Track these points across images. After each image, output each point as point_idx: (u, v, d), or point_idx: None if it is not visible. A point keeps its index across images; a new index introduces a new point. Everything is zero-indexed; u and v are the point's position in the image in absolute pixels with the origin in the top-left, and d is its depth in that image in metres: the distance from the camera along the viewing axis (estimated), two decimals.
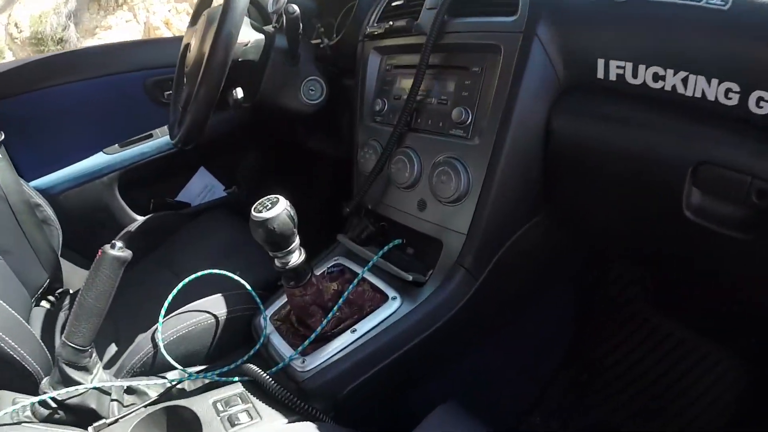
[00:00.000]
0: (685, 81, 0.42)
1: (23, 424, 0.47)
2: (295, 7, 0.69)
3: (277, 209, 0.47)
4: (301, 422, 0.48)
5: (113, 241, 0.50)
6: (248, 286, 0.63)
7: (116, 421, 0.50)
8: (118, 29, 6.35)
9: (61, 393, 0.49)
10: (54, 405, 0.49)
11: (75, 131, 1.12)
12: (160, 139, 1.16)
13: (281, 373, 0.54)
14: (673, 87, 0.43)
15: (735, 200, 0.42)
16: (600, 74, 0.48)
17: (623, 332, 0.89)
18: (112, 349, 0.70)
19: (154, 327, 0.61)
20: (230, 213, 1.04)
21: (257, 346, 0.57)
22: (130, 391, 0.55)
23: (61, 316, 0.87)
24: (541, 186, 0.58)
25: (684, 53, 0.42)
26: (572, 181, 0.57)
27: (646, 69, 0.44)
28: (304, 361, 0.54)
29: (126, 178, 1.15)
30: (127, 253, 0.49)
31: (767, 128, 0.39)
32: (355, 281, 0.59)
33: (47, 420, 0.49)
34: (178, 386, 0.57)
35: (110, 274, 0.49)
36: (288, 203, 0.49)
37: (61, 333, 0.82)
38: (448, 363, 0.70)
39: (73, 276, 1.09)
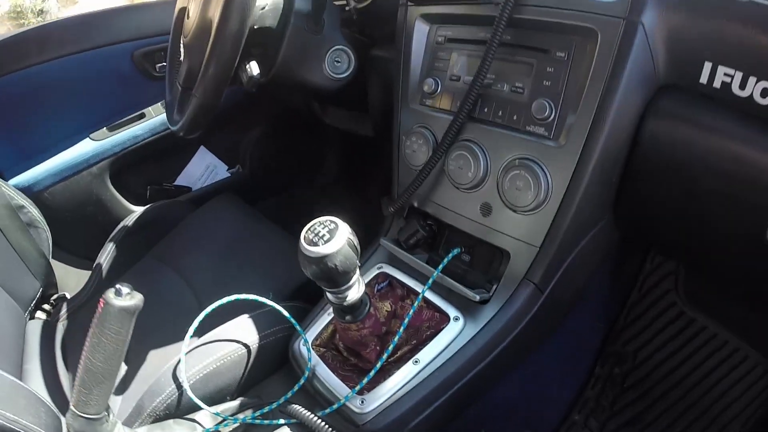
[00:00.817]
0: None
1: None
2: None
3: (339, 241, 0.38)
4: None
5: (117, 286, 0.39)
6: (285, 312, 0.56)
7: None
8: None
9: None
10: None
11: (56, 116, 1.01)
12: (155, 118, 1.06)
13: (335, 413, 0.48)
14: None
15: None
16: (703, 79, 0.41)
17: (657, 325, 0.86)
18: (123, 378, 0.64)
19: (174, 361, 0.54)
20: (235, 200, 0.97)
21: (302, 382, 0.51)
22: None
23: (60, 327, 0.80)
24: (615, 189, 0.52)
25: None
26: (652, 187, 0.50)
27: (757, 82, 0.38)
28: (362, 402, 0.48)
29: (117, 165, 1.06)
30: (137, 299, 0.39)
31: None
32: (416, 303, 0.52)
33: None
34: (206, 426, 0.51)
35: (119, 329, 0.39)
36: (349, 229, 0.40)
37: (62, 348, 0.75)
38: (509, 374, 0.65)
39: (67, 278, 1.04)
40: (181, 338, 0.59)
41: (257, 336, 0.57)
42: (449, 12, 0.56)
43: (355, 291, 0.44)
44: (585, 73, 0.45)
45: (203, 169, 1.15)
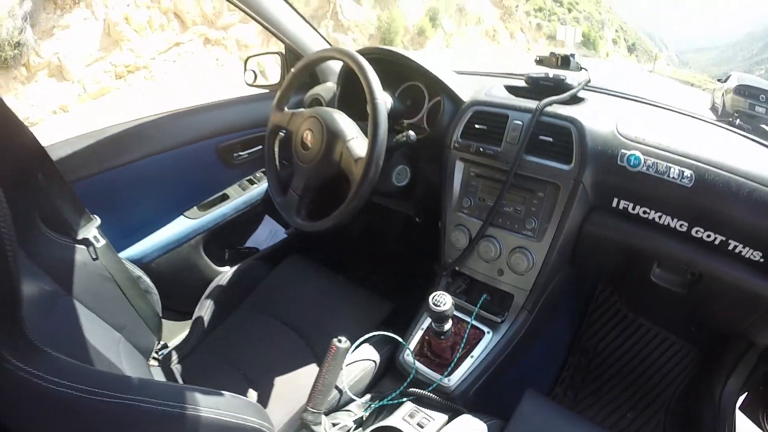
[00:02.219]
0: (659, 216, 0.86)
1: None
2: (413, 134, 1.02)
3: (449, 304, 0.83)
4: (458, 416, 0.86)
5: (339, 337, 0.80)
6: (399, 339, 0.99)
7: None
8: (76, 28, 5.98)
9: None
10: None
11: (155, 200, 1.31)
12: (237, 199, 1.43)
13: (434, 390, 0.93)
14: (654, 218, 0.87)
15: (680, 275, 0.89)
16: (614, 204, 0.90)
17: (609, 326, 1.39)
18: (279, 394, 0.97)
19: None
20: (304, 259, 1.31)
21: (412, 375, 0.94)
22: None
23: (175, 370, 1.09)
24: (570, 254, 1.01)
25: (658, 199, 0.86)
26: (589, 253, 1.00)
27: (641, 207, 0.88)
28: (449, 380, 0.93)
29: (208, 237, 1.40)
30: (348, 344, 0.80)
31: (694, 239, 0.84)
32: (468, 327, 0.99)
33: None
34: (358, 413, 0.91)
35: (341, 359, 0.80)
36: (451, 299, 0.85)
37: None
38: (516, 360, 1.10)
39: (169, 331, 1.34)
40: (308, 362, 0.99)
41: (379, 355, 1.00)
42: (478, 160, 1.03)
43: (449, 325, 0.89)
44: (553, 204, 0.93)
45: (267, 233, 1.55)
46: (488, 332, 1.00)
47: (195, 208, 1.39)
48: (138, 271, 1.12)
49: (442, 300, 0.84)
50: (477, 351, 0.97)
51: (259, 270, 1.31)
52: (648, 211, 0.87)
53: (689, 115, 1.08)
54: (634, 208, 0.89)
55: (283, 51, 1.45)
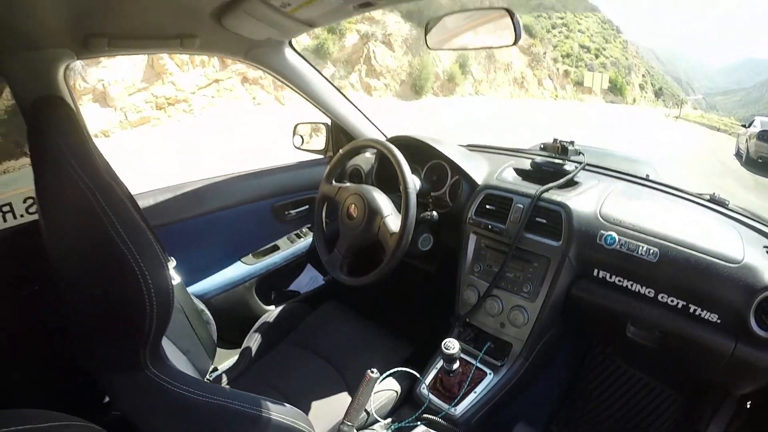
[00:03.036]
0: (631, 284, 1.10)
1: None
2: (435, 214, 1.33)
3: (456, 348, 1.09)
4: None
5: (372, 369, 1.04)
6: (418, 375, 1.23)
7: None
8: (122, 58, 6.62)
9: None
10: None
11: (219, 246, 1.63)
12: (286, 251, 1.73)
13: (448, 416, 1.17)
14: (627, 285, 1.10)
15: (650, 332, 1.12)
16: (595, 273, 1.15)
17: (605, 374, 1.60)
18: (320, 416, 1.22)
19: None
20: (339, 304, 1.59)
21: (426, 404, 1.19)
22: None
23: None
24: (561, 313, 1.26)
25: (630, 271, 1.09)
26: (577, 312, 1.25)
27: (617, 276, 1.12)
28: (455, 409, 1.17)
29: (259, 280, 1.70)
30: (378, 375, 1.04)
31: (661, 303, 1.06)
32: (474, 368, 1.24)
33: None
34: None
35: (372, 386, 1.04)
36: (459, 345, 1.11)
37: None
38: (515, 398, 1.32)
39: (221, 357, 1.58)
40: (340, 390, 1.23)
41: (399, 387, 1.26)
42: (487, 234, 1.31)
43: (456, 365, 1.15)
44: (545, 272, 1.20)
45: (308, 279, 1.84)
46: (490, 373, 1.25)
47: (251, 255, 1.71)
48: (201, 305, 1.40)
49: (452, 345, 1.10)
50: (480, 388, 1.22)
51: (300, 311, 1.60)
52: (622, 280, 1.11)
53: (671, 192, 1.32)
54: (611, 277, 1.13)
55: (329, 123, 1.78)
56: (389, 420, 1.20)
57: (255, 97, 10.30)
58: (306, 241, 1.80)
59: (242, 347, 1.48)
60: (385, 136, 1.76)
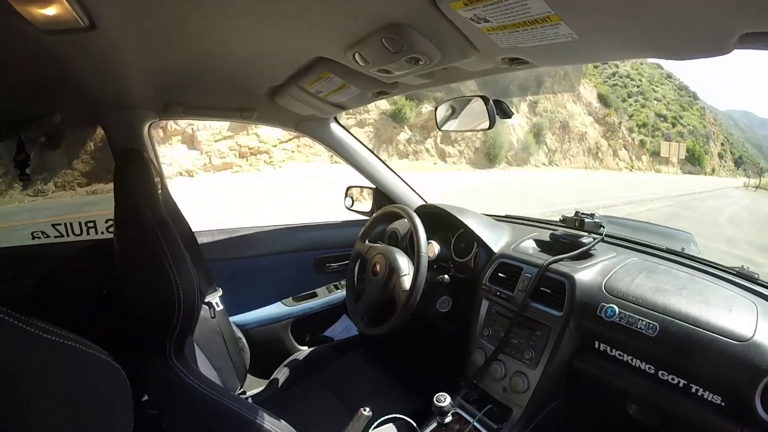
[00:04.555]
0: (631, 359, 1.10)
1: None
2: (447, 277, 1.49)
3: (447, 402, 1.19)
4: None
5: (366, 407, 1.16)
6: (414, 423, 1.34)
7: None
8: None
9: None
10: None
11: (263, 286, 1.89)
12: (323, 299, 1.94)
13: None
14: (627, 360, 1.11)
15: (652, 411, 1.10)
16: (596, 346, 1.16)
17: None
18: None
19: None
20: (368, 352, 1.74)
21: None
22: None
23: None
24: (564, 384, 1.29)
25: (629, 345, 1.11)
26: (580, 385, 1.27)
27: (614, 349, 1.15)
28: None
29: (296, 322, 1.92)
30: (370, 414, 1.17)
31: (661, 381, 1.02)
32: (470, 427, 1.31)
33: None
34: None
35: (361, 424, 1.17)
36: (450, 399, 1.21)
37: None
38: None
39: (251, 383, 1.79)
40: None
41: None
42: (497, 300, 1.43)
43: (448, 419, 1.23)
44: (546, 341, 1.27)
45: (343, 328, 2.03)
46: None
47: (290, 298, 1.96)
48: (239, 334, 1.68)
49: (443, 398, 1.20)
50: None
51: (329, 354, 1.79)
52: (622, 354, 1.10)
53: (695, 266, 1.31)
54: (611, 351, 1.13)
55: (374, 188, 2.04)
56: None
57: (332, 155, 11.09)
58: (342, 292, 2.01)
59: (271, 378, 1.69)
60: (425, 201, 1.98)
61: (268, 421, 0.94)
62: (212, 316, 1.57)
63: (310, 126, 1.73)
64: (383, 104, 11.22)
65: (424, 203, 1.93)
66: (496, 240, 1.57)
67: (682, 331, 1.02)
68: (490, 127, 1.31)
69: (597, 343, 1.17)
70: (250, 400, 1.54)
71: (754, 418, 0.89)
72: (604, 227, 1.45)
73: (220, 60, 1.14)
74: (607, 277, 1.25)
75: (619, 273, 1.27)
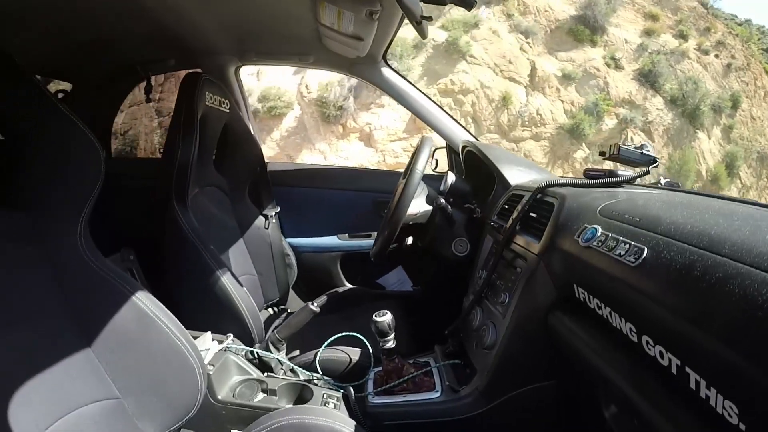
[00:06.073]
0: (610, 314, 0.69)
1: (232, 355, 1.13)
2: (443, 201, 1.30)
3: (387, 319, 1.06)
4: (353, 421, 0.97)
5: (315, 303, 1.17)
6: (367, 342, 1.22)
7: (271, 378, 1.13)
8: (389, 109, 8.38)
9: (261, 352, 1.18)
10: (256, 356, 1.19)
11: (323, 217, 1.99)
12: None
13: (360, 398, 1.09)
14: (606, 315, 0.69)
15: (630, 422, 0.73)
16: (576, 295, 0.78)
17: None
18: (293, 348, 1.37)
19: (320, 349, 1.24)
20: (404, 304, 1.64)
21: (359, 382, 1.15)
22: (292, 371, 1.20)
23: (276, 321, 1.68)
24: (547, 360, 0.94)
25: (603, 285, 0.71)
26: (562, 362, 0.90)
27: (594, 297, 0.73)
28: (373, 398, 1.08)
29: (347, 257, 1.97)
30: (317, 308, 1.17)
31: (645, 359, 0.60)
32: (421, 372, 1.11)
33: (247, 360, 1.17)
34: (311, 379, 1.16)
35: (305, 315, 1.15)
36: (391, 317, 1.06)
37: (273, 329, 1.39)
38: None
39: (293, 303, 1.94)
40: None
41: (359, 355, 1.26)
42: (495, 236, 1.18)
43: (391, 344, 1.08)
44: (521, 280, 0.96)
45: (396, 279, 1.98)
46: (437, 391, 1.08)
47: (346, 234, 2.01)
48: (289, 251, 1.87)
49: (382, 313, 1.08)
50: (414, 396, 1.08)
51: (368, 296, 1.77)
52: (600, 305, 0.71)
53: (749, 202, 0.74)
54: (590, 300, 0.74)
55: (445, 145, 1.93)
56: (319, 375, 1.20)
57: None
58: None
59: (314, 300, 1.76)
60: (474, 137, 1.84)
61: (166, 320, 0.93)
62: (266, 227, 1.80)
63: (362, 69, 1.78)
64: (560, 116, 10.21)
65: (469, 140, 1.76)
66: (518, 176, 1.30)
67: (681, 257, 0.55)
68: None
69: (576, 288, 0.80)
70: (284, 315, 1.70)
71: None
72: (656, 162, 1.02)
73: (272, 7, 1.32)
74: (612, 201, 0.83)
75: (631, 197, 0.84)
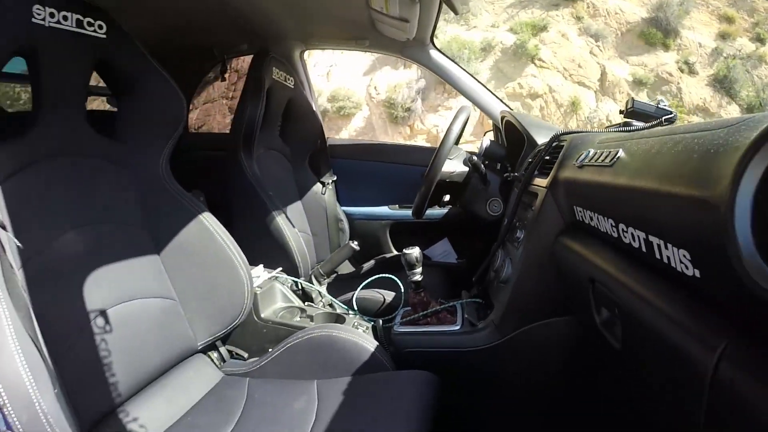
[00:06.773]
0: (595, 217, 0.75)
1: (279, 284, 1.32)
2: (476, 158, 1.42)
3: (415, 252, 1.18)
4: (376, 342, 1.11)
5: (356, 242, 1.34)
6: (398, 281, 1.36)
7: (311, 307, 1.32)
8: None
9: (304, 283, 1.38)
10: (299, 287, 1.38)
11: (377, 188, 2.17)
12: (429, 211, 2.04)
13: (387, 327, 1.23)
14: (596, 225, 0.76)
15: (612, 314, 0.74)
16: (578, 217, 0.86)
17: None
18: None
19: (357, 291, 1.41)
20: (449, 276, 1.79)
21: (388, 317, 1.29)
22: (330, 305, 1.37)
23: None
24: (561, 296, 1.00)
25: (594, 196, 0.78)
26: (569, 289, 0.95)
27: (587, 211, 0.80)
28: (398, 327, 1.21)
29: (396, 226, 2.12)
30: (357, 247, 1.34)
31: (623, 249, 0.66)
32: (444, 307, 1.23)
33: (292, 291, 1.36)
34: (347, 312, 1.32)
35: (347, 251, 1.32)
36: (419, 251, 1.19)
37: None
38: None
39: (343, 266, 2.07)
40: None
41: (393, 295, 1.43)
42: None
43: (419, 277, 1.20)
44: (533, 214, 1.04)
45: (441, 251, 2.09)
46: (458, 324, 1.18)
47: (397, 205, 2.16)
48: (343, 217, 2.06)
49: (412, 249, 1.20)
50: (436, 327, 1.19)
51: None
52: (592, 215, 0.78)
53: None
54: (586, 215, 0.81)
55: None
56: (354, 311, 1.35)
57: None
58: (442, 211, 2.08)
59: (366, 263, 1.96)
60: (510, 109, 1.86)
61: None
62: (322, 192, 2.02)
63: (412, 51, 1.90)
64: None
65: (506, 110, 1.83)
66: (546, 137, 1.35)
67: (646, 144, 0.63)
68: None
69: (575, 210, 0.87)
70: (336, 274, 1.87)
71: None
72: (671, 114, 1.00)
73: None
74: (611, 135, 0.91)
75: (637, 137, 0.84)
